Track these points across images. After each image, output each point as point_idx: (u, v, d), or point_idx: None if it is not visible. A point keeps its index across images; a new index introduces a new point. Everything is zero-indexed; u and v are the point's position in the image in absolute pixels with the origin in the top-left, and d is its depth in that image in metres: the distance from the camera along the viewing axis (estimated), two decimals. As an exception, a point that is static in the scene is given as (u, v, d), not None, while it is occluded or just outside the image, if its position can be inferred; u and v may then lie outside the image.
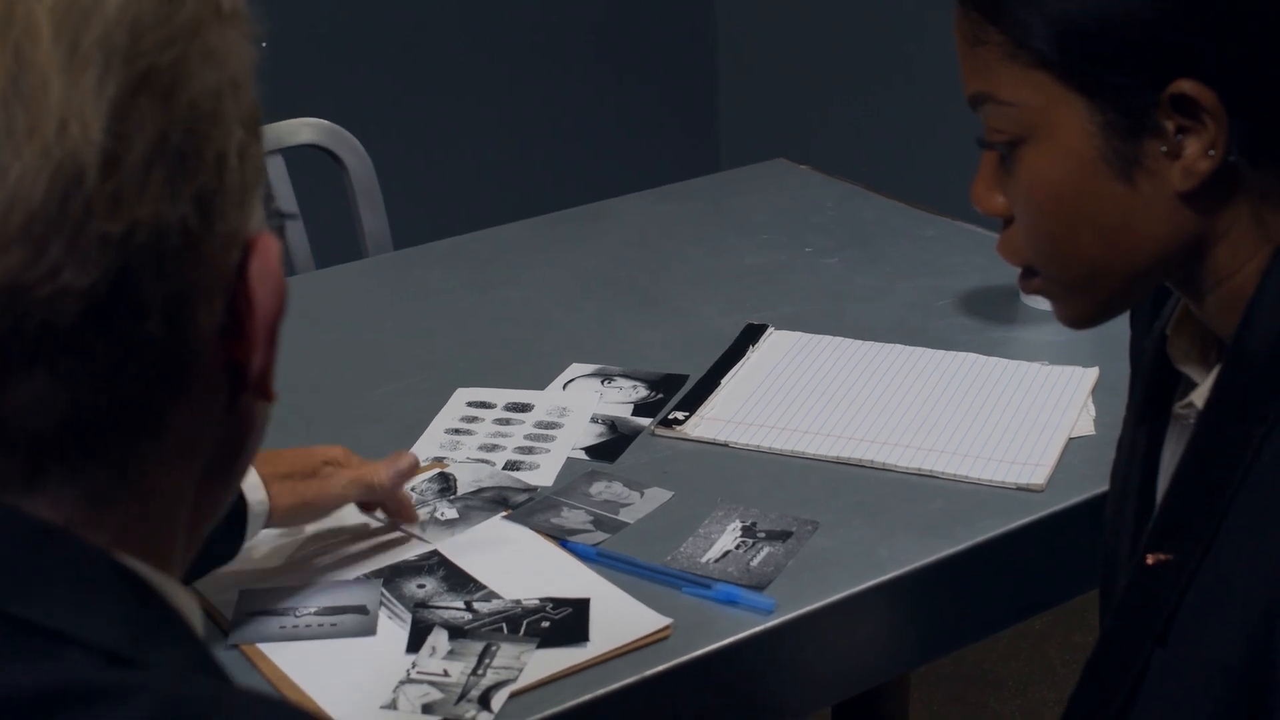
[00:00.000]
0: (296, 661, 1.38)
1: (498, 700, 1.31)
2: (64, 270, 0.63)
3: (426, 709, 1.30)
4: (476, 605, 1.43)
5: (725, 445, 1.70)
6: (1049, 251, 1.12)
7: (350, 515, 1.55)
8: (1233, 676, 1.05)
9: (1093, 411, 1.73)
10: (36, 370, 0.64)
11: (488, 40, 3.83)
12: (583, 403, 1.79)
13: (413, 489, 1.59)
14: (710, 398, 1.78)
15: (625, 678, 1.35)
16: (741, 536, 1.52)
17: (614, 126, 4.06)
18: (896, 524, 1.54)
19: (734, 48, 4.14)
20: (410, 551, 1.52)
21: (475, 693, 1.32)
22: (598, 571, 1.48)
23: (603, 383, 1.83)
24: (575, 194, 2.62)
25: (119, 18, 0.64)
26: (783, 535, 1.52)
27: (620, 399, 1.79)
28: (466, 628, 1.40)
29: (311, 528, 1.54)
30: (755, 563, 1.48)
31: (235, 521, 1.41)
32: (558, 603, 1.43)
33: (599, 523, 1.56)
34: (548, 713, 1.31)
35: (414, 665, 1.36)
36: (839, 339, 1.91)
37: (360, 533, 1.55)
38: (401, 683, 1.34)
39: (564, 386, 1.83)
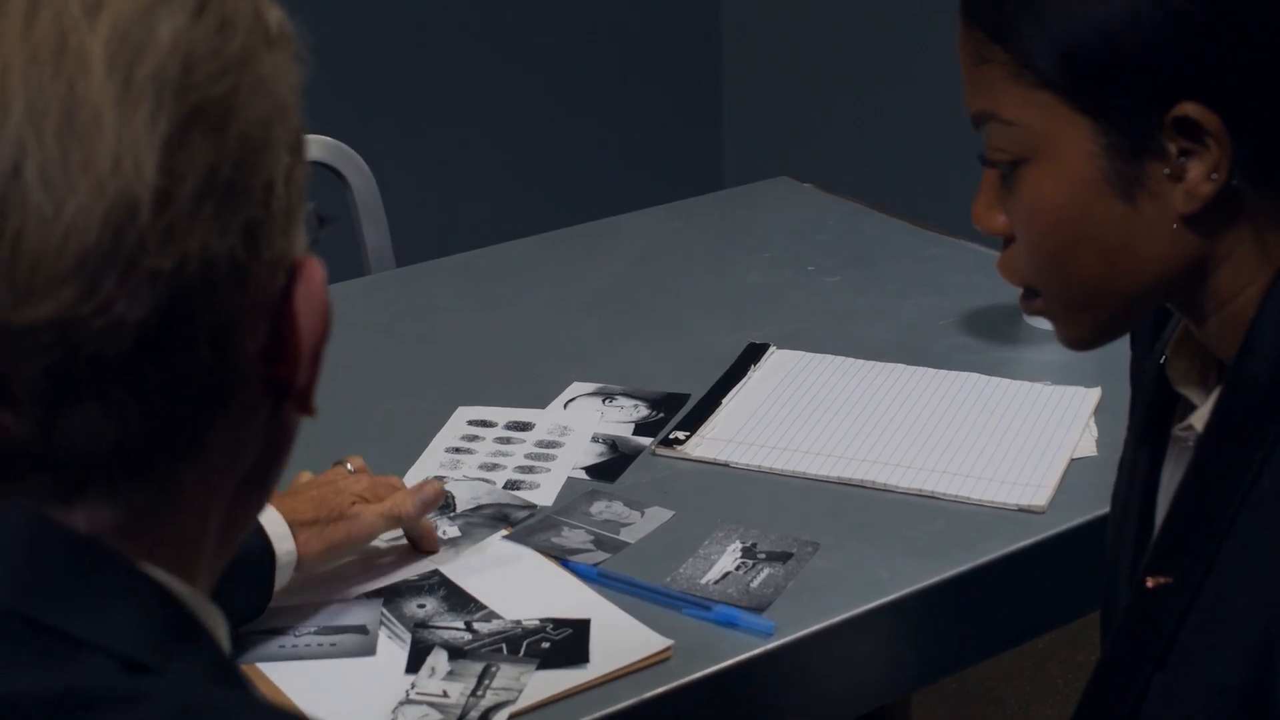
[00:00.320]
0: (295, 681, 1.37)
1: (497, 721, 1.31)
2: (116, 304, 0.64)
3: (425, 730, 1.30)
4: (477, 625, 1.43)
5: (726, 465, 1.69)
6: (1049, 271, 1.11)
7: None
8: (1232, 699, 1.05)
9: (1095, 432, 1.73)
10: (89, 400, 0.65)
11: (492, 57, 3.83)
12: (584, 422, 1.78)
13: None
14: (711, 417, 1.78)
15: (625, 699, 1.35)
16: (741, 557, 1.52)
17: (619, 142, 4.06)
18: (897, 545, 1.54)
19: (739, 65, 4.14)
20: (411, 571, 1.52)
21: (475, 714, 1.31)
22: (598, 591, 1.48)
23: (604, 402, 1.83)
24: (579, 211, 2.62)
25: (172, 50, 0.65)
26: (783, 556, 1.52)
27: (621, 418, 1.79)
28: (466, 648, 1.40)
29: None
30: (755, 584, 1.47)
31: (264, 573, 1.40)
32: (558, 623, 1.43)
33: (600, 542, 1.55)
34: (547, 734, 1.31)
35: (413, 686, 1.35)
36: (841, 358, 1.91)
37: (362, 551, 1.54)
38: (401, 703, 1.33)
39: (565, 405, 1.83)
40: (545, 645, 1.40)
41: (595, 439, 1.75)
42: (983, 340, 1.96)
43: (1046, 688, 3.02)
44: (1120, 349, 1.25)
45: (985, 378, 1.85)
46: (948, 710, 2.97)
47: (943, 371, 1.87)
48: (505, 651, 1.39)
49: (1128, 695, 1.11)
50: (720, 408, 1.80)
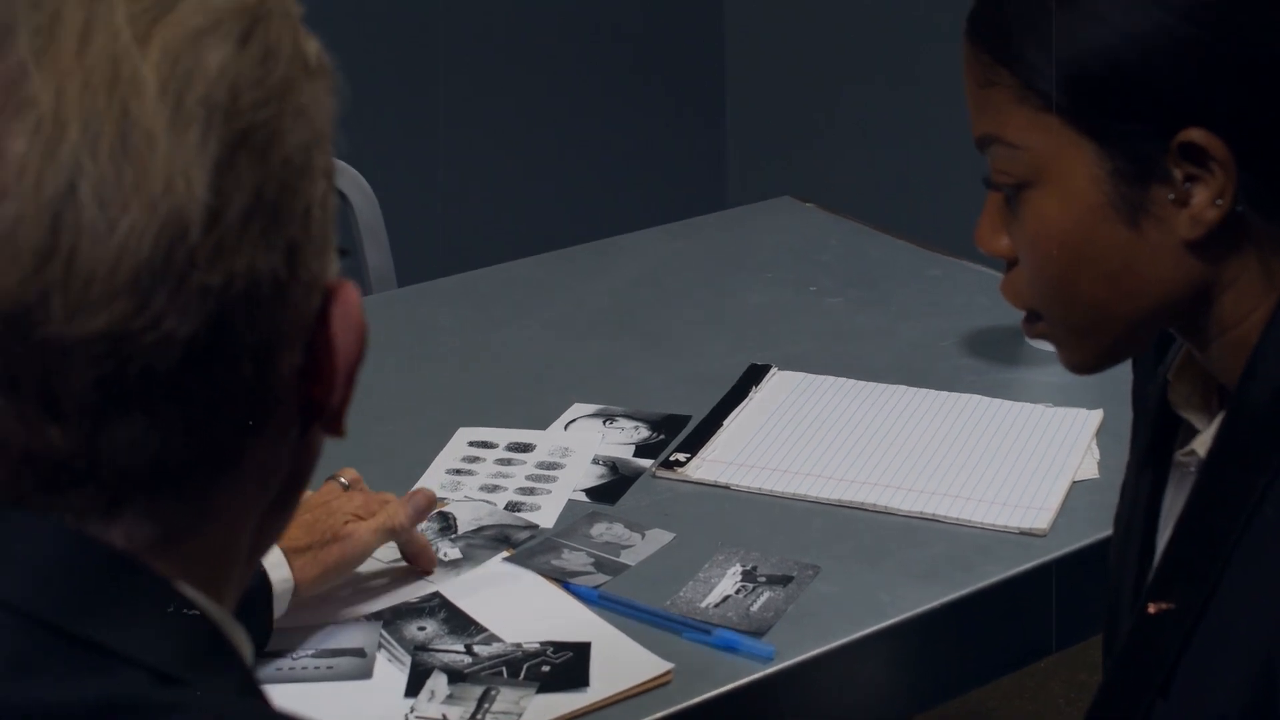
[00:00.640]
0: (292, 705, 1.36)
1: (496, 746, 1.30)
2: (166, 319, 0.66)
3: (424, 754, 1.30)
4: (477, 648, 1.42)
5: (726, 487, 1.69)
6: (1053, 295, 1.11)
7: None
8: (1235, 728, 1.04)
9: (1097, 455, 1.72)
10: (135, 413, 0.67)
11: (494, 76, 3.83)
12: (584, 443, 1.78)
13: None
14: (712, 439, 1.77)
15: (624, 724, 1.34)
16: (742, 581, 1.51)
17: (622, 159, 4.06)
18: (898, 569, 1.53)
19: (743, 84, 4.14)
20: (411, 593, 1.51)
21: (473, 738, 1.31)
22: (599, 614, 1.47)
23: (604, 423, 1.82)
24: (582, 230, 2.61)
25: (220, 77, 0.67)
26: (783, 580, 1.51)
27: (622, 440, 1.79)
28: (466, 671, 1.39)
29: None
30: (755, 608, 1.47)
31: (262, 605, 1.39)
32: (558, 646, 1.42)
33: (600, 564, 1.55)
34: (546, 758, 1.31)
35: (412, 709, 1.35)
36: (842, 380, 1.91)
37: (360, 573, 1.54)
38: (399, 727, 1.33)
39: (566, 427, 1.83)
40: (545, 669, 1.39)
41: (596, 460, 1.74)
42: (984, 362, 1.95)
43: (1049, 708, 3.01)
44: (1123, 371, 1.25)
45: (987, 400, 1.85)
46: (949, 731, 2.96)
47: (944, 393, 1.86)
48: (505, 675, 1.39)
49: (1130, 723, 1.11)
50: (721, 429, 1.79)
